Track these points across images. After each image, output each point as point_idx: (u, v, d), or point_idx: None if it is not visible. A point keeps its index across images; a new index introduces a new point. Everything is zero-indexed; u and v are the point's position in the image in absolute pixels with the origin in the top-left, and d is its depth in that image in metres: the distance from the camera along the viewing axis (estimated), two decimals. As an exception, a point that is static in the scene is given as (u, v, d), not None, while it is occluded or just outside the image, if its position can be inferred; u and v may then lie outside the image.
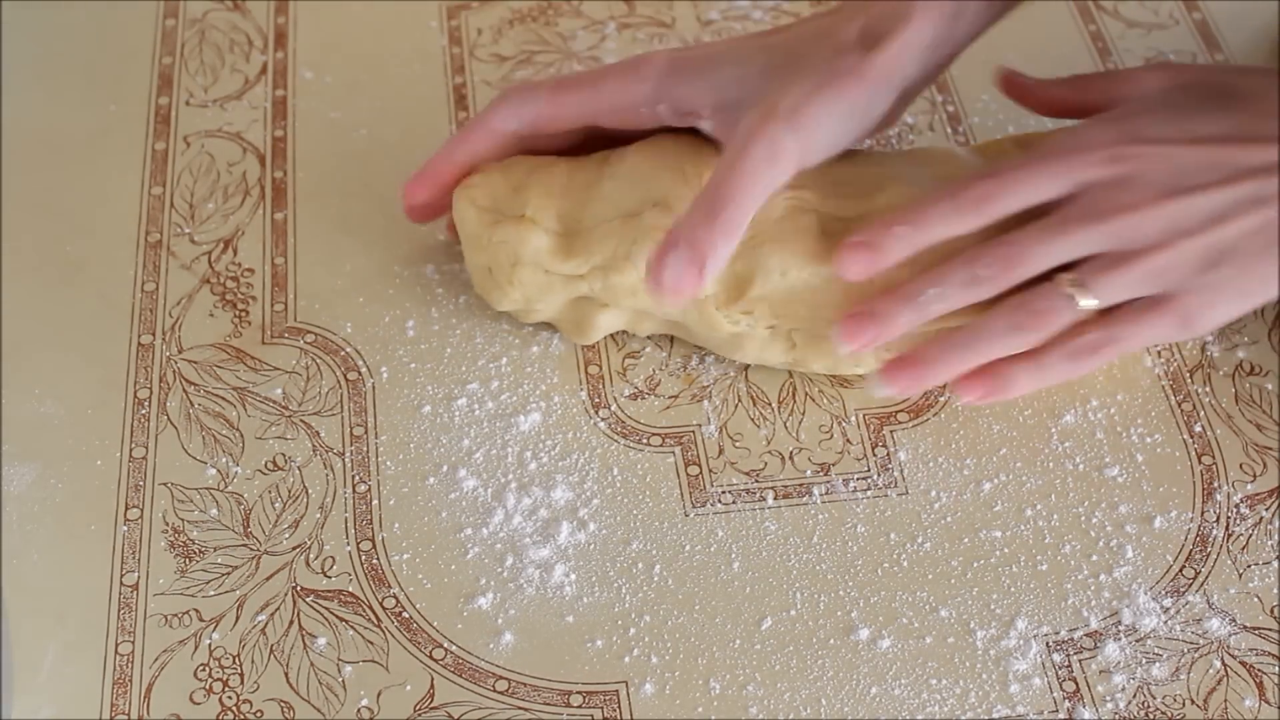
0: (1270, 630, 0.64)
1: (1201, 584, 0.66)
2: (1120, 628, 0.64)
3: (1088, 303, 0.65)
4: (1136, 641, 0.64)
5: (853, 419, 0.71)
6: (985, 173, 0.66)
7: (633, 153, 0.71)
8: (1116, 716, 0.62)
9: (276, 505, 0.68)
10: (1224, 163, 0.65)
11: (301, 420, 0.71)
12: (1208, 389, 0.72)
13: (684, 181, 0.69)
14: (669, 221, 0.67)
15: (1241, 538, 0.67)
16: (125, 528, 0.67)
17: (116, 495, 0.68)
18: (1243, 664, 0.63)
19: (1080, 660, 0.63)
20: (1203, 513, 0.68)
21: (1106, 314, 0.66)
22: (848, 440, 0.71)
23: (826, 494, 0.69)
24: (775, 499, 0.69)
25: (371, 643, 0.64)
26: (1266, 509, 0.68)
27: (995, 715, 0.62)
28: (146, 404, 0.71)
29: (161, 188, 0.80)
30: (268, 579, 0.66)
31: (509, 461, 0.69)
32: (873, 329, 0.66)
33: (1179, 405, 0.72)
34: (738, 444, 0.70)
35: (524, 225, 0.70)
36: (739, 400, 0.72)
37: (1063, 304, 0.65)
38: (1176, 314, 0.66)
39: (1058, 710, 0.62)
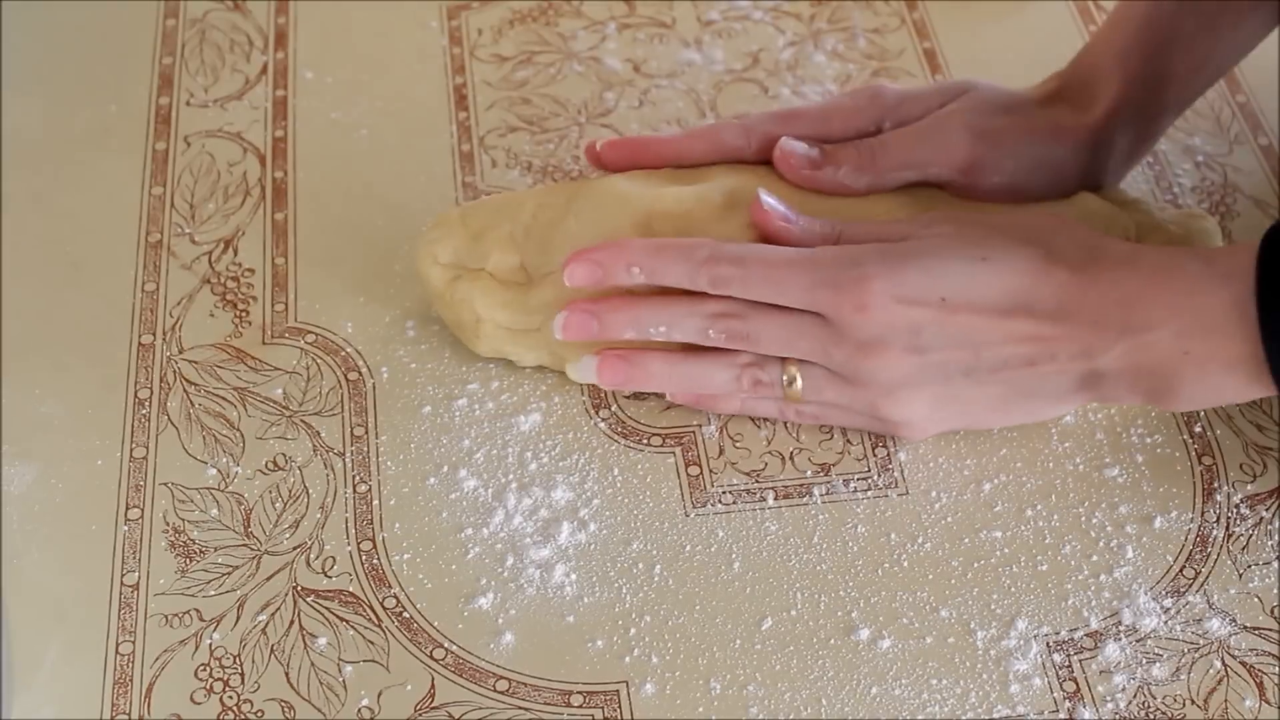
0: (1270, 630, 0.64)
1: (1202, 584, 0.66)
2: (1120, 628, 0.64)
3: (797, 389, 0.68)
4: (1137, 642, 0.64)
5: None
6: (735, 255, 0.66)
7: (600, 190, 0.71)
8: (1117, 717, 0.62)
9: (277, 505, 0.68)
10: (970, 335, 0.64)
11: (302, 420, 0.71)
12: (1208, 389, 0.72)
13: (648, 232, 0.69)
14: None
15: (1242, 538, 0.67)
16: (125, 528, 0.67)
17: (117, 495, 0.68)
18: (1243, 664, 0.63)
19: (1080, 660, 0.63)
20: (1203, 513, 0.68)
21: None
22: (848, 440, 0.71)
23: (827, 494, 0.69)
24: (776, 499, 0.69)
25: (372, 643, 0.64)
26: (1267, 509, 0.68)
27: (995, 715, 0.62)
28: (147, 404, 0.71)
29: (162, 188, 0.80)
30: (268, 579, 0.66)
31: (509, 462, 0.69)
32: (594, 331, 0.68)
33: (1179, 405, 0.72)
34: (738, 444, 0.70)
35: (481, 281, 0.70)
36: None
37: (780, 384, 0.68)
38: (884, 429, 0.70)
39: (1058, 710, 0.62)
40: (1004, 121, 0.72)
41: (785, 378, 0.67)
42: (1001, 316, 0.64)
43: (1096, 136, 0.72)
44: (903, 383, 0.66)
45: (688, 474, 0.69)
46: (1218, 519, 0.68)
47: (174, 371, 0.72)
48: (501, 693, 0.62)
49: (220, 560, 0.66)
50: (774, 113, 0.74)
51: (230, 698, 0.62)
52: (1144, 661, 0.63)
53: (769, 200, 0.68)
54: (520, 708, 0.62)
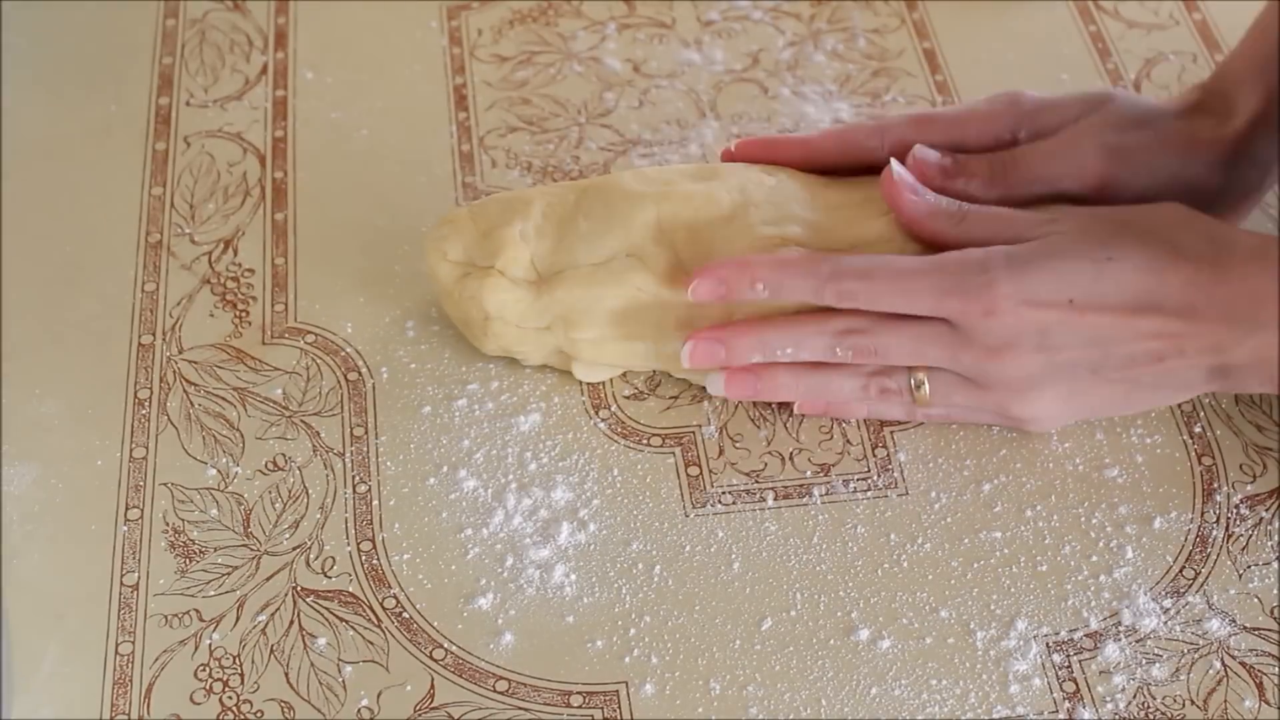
0: (1270, 631, 0.64)
1: (1201, 585, 0.66)
2: (1120, 628, 0.64)
3: (925, 393, 0.68)
4: (1136, 642, 0.64)
5: (853, 420, 0.71)
6: (860, 269, 0.66)
7: (609, 189, 0.70)
8: (1116, 717, 0.62)
9: (277, 505, 0.68)
10: (1098, 334, 0.65)
11: (302, 420, 0.71)
12: (1208, 390, 0.72)
13: (658, 231, 0.69)
14: (639, 278, 0.68)
15: (1241, 538, 0.67)
16: (125, 528, 0.67)
17: (116, 495, 0.68)
18: (1243, 664, 0.63)
19: (1080, 661, 0.63)
20: (1202, 513, 0.68)
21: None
22: (848, 441, 0.71)
23: (826, 495, 0.69)
24: (775, 500, 0.69)
25: (372, 643, 0.64)
26: (1266, 510, 0.68)
27: (995, 716, 0.62)
28: (147, 404, 0.71)
29: (162, 188, 0.80)
30: (268, 579, 0.66)
31: (509, 462, 0.69)
32: (721, 359, 0.68)
33: (1179, 406, 0.71)
34: (738, 445, 0.70)
35: (490, 279, 0.69)
36: (739, 401, 0.72)
37: (906, 391, 0.68)
38: (1011, 424, 0.70)
39: (1058, 711, 0.62)
40: (1139, 137, 0.71)
41: (913, 383, 0.68)
42: (1129, 315, 0.64)
43: (1236, 149, 0.71)
44: (1031, 383, 0.66)
45: (687, 474, 0.69)
46: (1217, 519, 0.68)
47: (174, 371, 0.72)
48: (501, 693, 0.62)
49: (220, 560, 0.66)
50: (909, 116, 0.73)
51: (230, 698, 0.62)
52: (1144, 662, 0.63)
53: (899, 171, 0.68)
54: (520, 708, 0.62)
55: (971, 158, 0.71)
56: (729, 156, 0.74)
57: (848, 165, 0.72)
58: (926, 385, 0.67)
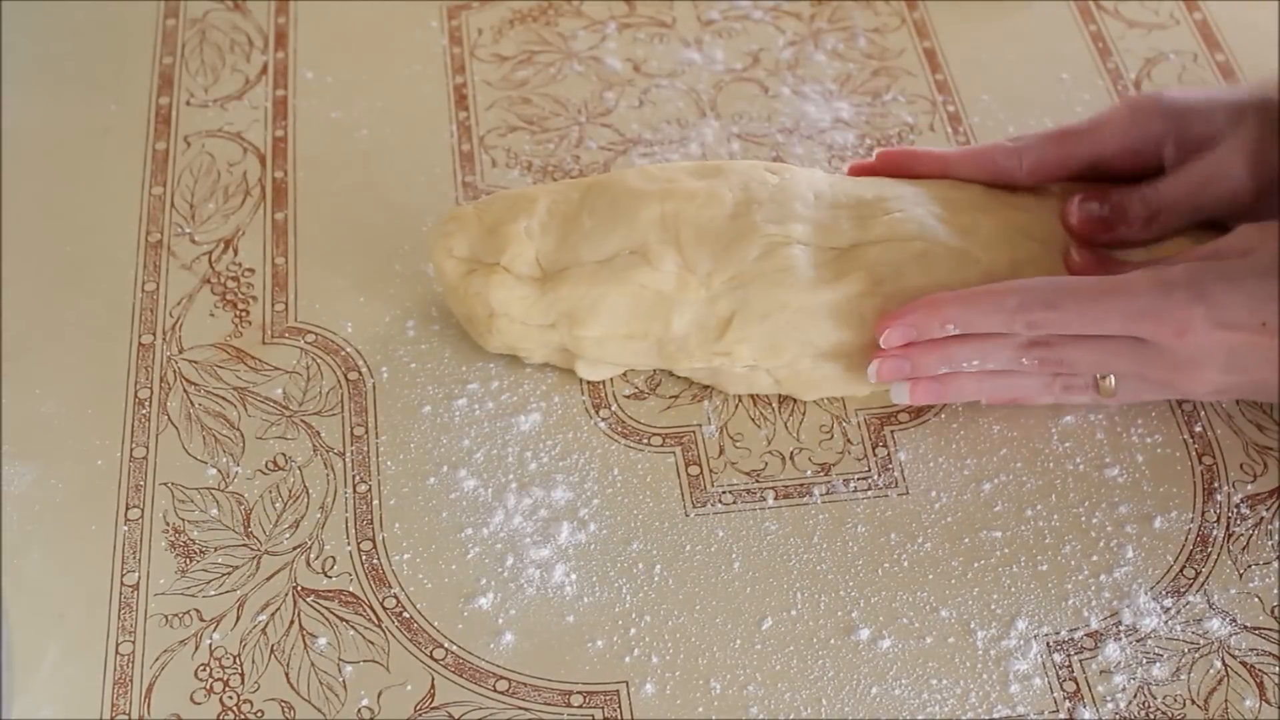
0: (1271, 630, 0.64)
1: (1202, 584, 0.66)
2: (1120, 628, 0.64)
3: (1110, 388, 0.68)
4: (1137, 642, 0.64)
5: (853, 419, 0.71)
6: (1047, 297, 0.66)
7: (614, 186, 0.71)
8: (1117, 717, 0.62)
9: (277, 505, 0.68)
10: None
11: (302, 420, 0.71)
12: (1208, 389, 0.72)
13: (662, 229, 0.69)
14: (643, 276, 0.68)
15: (1242, 538, 0.67)
16: (126, 528, 0.67)
17: (117, 495, 0.68)
18: (1243, 664, 0.63)
19: (1081, 660, 0.63)
20: (1203, 513, 0.68)
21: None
22: (848, 440, 0.71)
23: (827, 494, 0.69)
24: (776, 499, 0.69)
25: (372, 643, 0.64)
26: (1267, 509, 0.68)
27: (996, 715, 0.62)
28: (147, 404, 0.71)
29: (162, 188, 0.80)
30: (268, 579, 0.66)
31: (509, 461, 0.69)
32: (907, 373, 0.68)
33: (1179, 405, 0.71)
34: (738, 444, 0.70)
35: (495, 275, 0.69)
36: (739, 400, 0.72)
37: (1092, 387, 0.69)
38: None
39: (1058, 710, 0.62)
40: None
41: (1097, 377, 0.68)
42: None
43: None
44: (1217, 390, 0.68)
45: (688, 474, 0.69)
46: (1218, 519, 0.68)
47: (174, 371, 0.72)
48: (501, 693, 0.62)
49: (220, 560, 0.66)
50: (1047, 134, 0.73)
51: (230, 698, 0.62)
52: (1144, 661, 0.63)
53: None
54: (520, 708, 0.62)
55: (1125, 198, 0.71)
56: (867, 168, 0.74)
57: (985, 184, 0.73)
58: (1112, 382, 0.68)
